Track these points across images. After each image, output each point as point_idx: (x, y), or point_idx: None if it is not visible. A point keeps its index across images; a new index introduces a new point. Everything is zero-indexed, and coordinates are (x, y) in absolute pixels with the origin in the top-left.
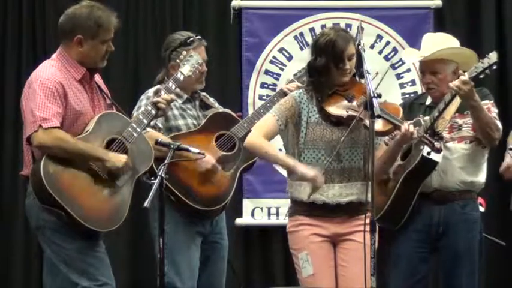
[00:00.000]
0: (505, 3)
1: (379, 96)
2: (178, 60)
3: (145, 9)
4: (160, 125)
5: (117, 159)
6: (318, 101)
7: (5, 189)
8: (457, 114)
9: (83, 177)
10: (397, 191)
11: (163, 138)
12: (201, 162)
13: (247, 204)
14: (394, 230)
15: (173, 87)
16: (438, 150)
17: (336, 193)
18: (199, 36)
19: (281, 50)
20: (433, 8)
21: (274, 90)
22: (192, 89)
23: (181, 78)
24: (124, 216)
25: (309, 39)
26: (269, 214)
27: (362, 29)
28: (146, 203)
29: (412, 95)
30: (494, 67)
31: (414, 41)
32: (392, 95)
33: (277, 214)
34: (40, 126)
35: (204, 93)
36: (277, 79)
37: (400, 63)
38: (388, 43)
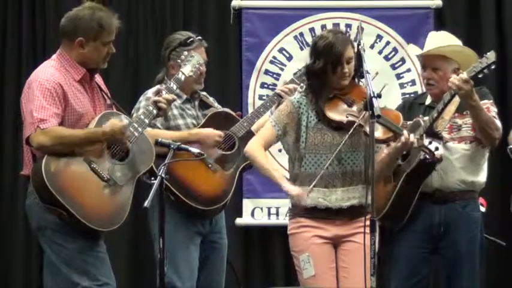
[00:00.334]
0: (505, 3)
1: (379, 96)
2: (179, 60)
3: (145, 9)
4: (159, 125)
5: (119, 132)
6: (318, 105)
7: (5, 189)
8: (456, 115)
9: (84, 177)
10: (398, 191)
11: (165, 135)
12: (205, 141)
13: (247, 204)
14: (395, 230)
15: (174, 87)
16: (438, 160)
17: (338, 197)
18: (199, 37)
19: (281, 50)
20: (433, 8)
21: (274, 90)
22: (191, 90)
23: (182, 78)
24: (125, 216)
25: (309, 39)
26: (269, 214)
27: (362, 29)
28: (146, 203)
29: (412, 95)
30: (493, 67)
31: (414, 41)
32: (392, 95)
33: (277, 214)
34: (38, 127)
35: (203, 93)
36: (277, 79)
37: (400, 63)
38: (388, 43)
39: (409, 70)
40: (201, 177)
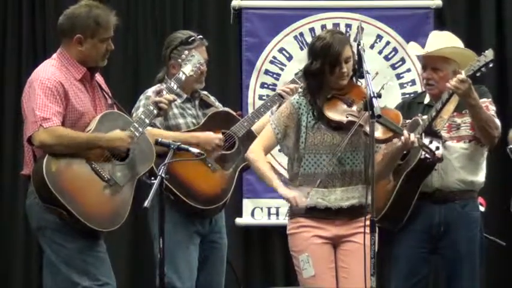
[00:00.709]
0: (505, 3)
1: (379, 96)
2: (180, 60)
3: (145, 9)
4: (158, 125)
5: (121, 141)
6: (317, 106)
7: (5, 189)
8: (455, 114)
9: (84, 176)
10: (397, 191)
11: (165, 135)
12: (205, 144)
13: (247, 204)
14: (395, 230)
15: (175, 86)
16: (438, 159)
17: (337, 197)
18: (200, 36)
19: (281, 50)
20: (433, 8)
21: (274, 90)
22: (191, 89)
23: (183, 77)
24: (125, 216)
25: (309, 39)
26: (269, 214)
27: (362, 29)
28: (146, 203)
29: (412, 95)
30: (491, 65)
31: (414, 41)
32: (392, 95)
33: (277, 214)
34: (41, 126)
35: (204, 92)
36: (277, 79)
37: (400, 63)
38: (388, 43)
39: (409, 70)
40: (201, 176)
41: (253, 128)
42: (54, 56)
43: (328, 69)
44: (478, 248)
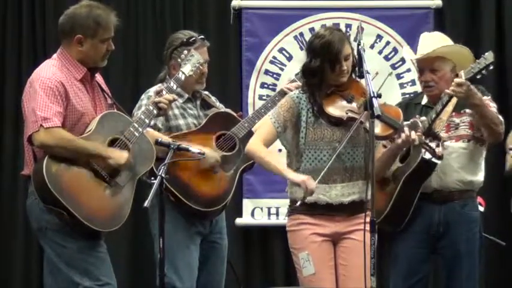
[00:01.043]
0: (505, 3)
1: (379, 96)
2: (179, 60)
3: (145, 9)
4: (160, 125)
5: (119, 156)
6: (317, 102)
7: (5, 189)
8: (453, 113)
9: (85, 177)
10: (397, 194)
11: (164, 138)
12: (205, 160)
13: (247, 204)
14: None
15: (174, 86)
16: (439, 157)
17: (338, 193)
18: (202, 36)
19: (281, 50)
20: (433, 8)
21: (274, 90)
22: (191, 89)
23: (183, 77)
24: (126, 216)
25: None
26: (269, 214)
27: (362, 29)
28: (146, 203)
29: (412, 95)
30: (491, 67)
31: (414, 41)
32: (392, 95)
33: (277, 214)
34: (41, 125)
35: (205, 92)
36: (277, 79)
37: (400, 63)
38: (388, 43)
39: (409, 70)
40: (202, 178)
41: (254, 129)
42: (55, 56)
43: (328, 67)
44: (478, 247)
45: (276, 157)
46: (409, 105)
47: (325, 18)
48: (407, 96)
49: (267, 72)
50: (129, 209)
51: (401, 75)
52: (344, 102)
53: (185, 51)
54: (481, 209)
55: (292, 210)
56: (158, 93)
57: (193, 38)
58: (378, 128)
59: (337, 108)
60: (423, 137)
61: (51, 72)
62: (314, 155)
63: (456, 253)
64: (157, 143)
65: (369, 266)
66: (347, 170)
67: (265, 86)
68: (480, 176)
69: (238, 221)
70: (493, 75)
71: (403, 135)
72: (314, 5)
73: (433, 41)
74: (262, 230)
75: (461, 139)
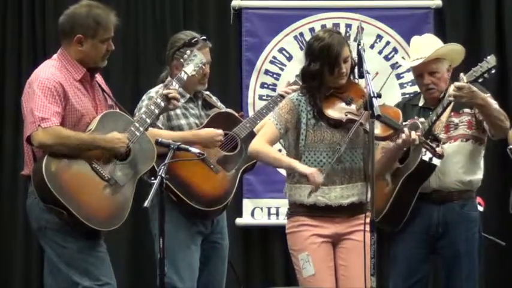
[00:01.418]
0: (505, 3)
1: (379, 96)
2: (182, 60)
3: (145, 9)
4: (160, 125)
5: (119, 142)
6: (315, 105)
7: (5, 189)
8: (452, 113)
9: (85, 176)
10: (396, 194)
11: (165, 135)
12: (207, 140)
13: (247, 204)
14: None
15: (176, 86)
16: (440, 156)
17: (337, 195)
18: (204, 37)
19: (281, 50)
20: (433, 8)
21: (274, 90)
22: (193, 90)
23: (185, 77)
24: (125, 216)
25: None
26: (269, 214)
27: (362, 29)
28: (146, 203)
29: (410, 95)
30: (493, 71)
31: None
32: (392, 95)
33: (277, 214)
34: (39, 126)
35: (207, 92)
36: (277, 79)
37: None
38: (388, 43)
39: (409, 70)
40: (203, 178)
41: (255, 129)
42: (55, 56)
43: (327, 70)
44: (477, 247)
45: (280, 154)
46: (406, 107)
47: (325, 18)
48: (407, 96)
49: (267, 72)
50: (129, 209)
51: (401, 75)
52: (343, 104)
53: (188, 51)
54: (481, 208)
55: (292, 213)
56: (166, 85)
57: (196, 39)
58: (378, 129)
59: (336, 111)
60: (423, 137)
61: (49, 73)
62: (314, 157)
63: (455, 253)
64: (158, 143)
65: (369, 266)
66: (346, 171)
67: (265, 86)
68: (479, 175)
69: (238, 221)
70: (493, 75)
71: (403, 135)
72: (314, 5)
73: (426, 44)
74: (262, 230)
75: (459, 138)
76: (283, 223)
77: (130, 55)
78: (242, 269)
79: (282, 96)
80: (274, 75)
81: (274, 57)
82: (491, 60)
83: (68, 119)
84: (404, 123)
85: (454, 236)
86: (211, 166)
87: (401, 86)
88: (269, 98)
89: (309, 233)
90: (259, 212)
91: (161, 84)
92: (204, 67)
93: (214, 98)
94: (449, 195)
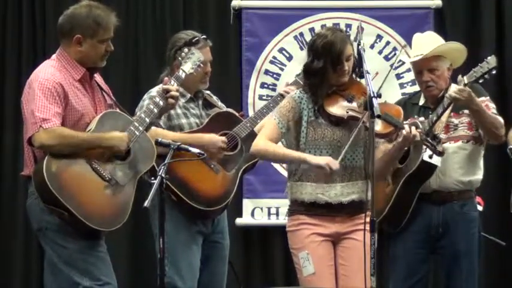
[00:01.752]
0: (505, 3)
1: (379, 96)
2: (180, 58)
3: (145, 9)
4: (162, 125)
5: (120, 140)
6: (317, 102)
7: (5, 189)
8: (452, 114)
9: (85, 177)
10: (396, 195)
11: (169, 136)
12: (209, 146)
13: (247, 204)
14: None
15: (175, 84)
16: (440, 153)
17: (337, 192)
18: (204, 36)
19: (281, 50)
20: (433, 8)
21: (274, 90)
22: (195, 89)
23: (183, 76)
24: (127, 216)
25: (309, 39)
26: (269, 214)
27: (362, 29)
28: (146, 203)
29: (407, 96)
30: (494, 72)
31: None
32: (392, 95)
33: (277, 214)
34: (40, 127)
35: (207, 92)
36: (277, 79)
37: (400, 63)
38: (388, 43)
39: (409, 70)
40: (203, 177)
41: (256, 128)
42: (54, 56)
43: (330, 67)
44: (477, 247)
45: (286, 149)
46: (406, 105)
47: (325, 18)
48: (407, 96)
49: (267, 72)
50: (130, 208)
51: (401, 75)
52: (345, 102)
53: (185, 49)
54: (480, 208)
55: (293, 211)
56: (165, 84)
57: (197, 38)
58: (379, 126)
59: (338, 108)
60: (424, 135)
61: (49, 73)
62: (315, 154)
63: (456, 253)
64: (158, 143)
65: (369, 266)
66: (347, 169)
67: (265, 86)
68: (479, 175)
69: (238, 221)
70: (493, 75)
71: (403, 132)
72: (314, 5)
73: (427, 41)
74: (262, 230)
75: (460, 140)
76: (283, 223)
77: (130, 55)
78: (242, 269)
79: (282, 96)
80: (274, 75)
81: (274, 57)
82: (491, 61)
83: (68, 119)
84: (404, 122)
85: (454, 235)
86: (212, 166)
87: (401, 86)
88: (269, 98)
89: (308, 231)
90: (259, 212)
91: (161, 84)
92: (202, 65)
93: (214, 98)
94: (449, 195)
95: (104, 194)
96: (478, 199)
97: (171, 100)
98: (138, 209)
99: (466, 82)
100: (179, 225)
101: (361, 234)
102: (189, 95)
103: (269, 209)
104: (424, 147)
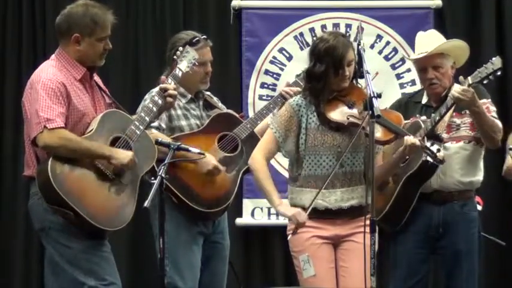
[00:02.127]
0: (505, 3)
1: (379, 96)
2: (175, 57)
3: (145, 9)
4: (164, 126)
5: (123, 156)
6: (318, 107)
7: (5, 189)
8: (454, 114)
9: (89, 177)
10: (397, 194)
11: (165, 138)
12: (201, 164)
13: (247, 204)
14: (394, 231)
15: (172, 83)
16: (440, 161)
17: (337, 198)
18: (204, 36)
19: (281, 50)
20: (433, 8)
21: (274, 90)
22: (196, 89)
23: (180, 74)
24: (131, 215)
25: (309, 39)
26: (269, 214)
27: (362, 29)
28: (146, 203)
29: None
30: (498, 73)
31: (414, 41)
32: (392, 95)
33: (277, 214)
34: (45, 127)
35: (208, 93)
36: (277, 79)
37: (400, 63)
38: (388, 43)
39: (409, 70)
40: (203, 179)
41: (256, 129)
42: (53, 57)
43: (332, 72)
44: (477, 247)
45: (272, 185)
46: (408, 104)
47: (325, 18)
48: (408, 94)
49: (267, 72)
50: (134, 207)
51: (401, 75)
52: (345, 108)
53: (180, 48)
54: (479, 207)
55: None
56: (163, 82)
57: (197, 38)
58: (379, 133)
59: (338, 114)
60: (425, 139)
61: (51, 73)
62: (314, 160)
63: (456, 253)
64: (157, 143)
65: (369, 267)
66: (346, 175)
67: (265, 86)
68: (479, 176)
69: (238, 221)
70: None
71: (405, 141)
72: (314, 5)
73: (431, 39)
74: (262, 230)
75: (462, 140)
76: (283, 223)
77: (130, 55)
78: (242, 269)
79: (283, 96)
80: (274, 75)
81: (274, 57)
82: (496, 62)
83: (70, 118)
84: (406, 121)
85: (454, 235)
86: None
87: (401, 86)
88: (269, 98)
89: (309, 234)
90: (259, 212)
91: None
92: (197, 63)
93: (215, 99)
94: (449, 195)
95: (108, 194)
96: (477, 199)
97: (169, 99)
98: (138, 209)
99: (470, 82)
100: (180, 226)
101: (361, 236)
102: (189, 96)
103: (269, 209)
104: (425, 156)
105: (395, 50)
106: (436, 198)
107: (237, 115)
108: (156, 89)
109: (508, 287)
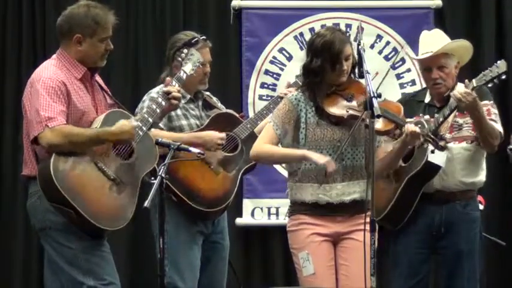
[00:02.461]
0: (505, 3)
1: (379, 96)
2: (179, 59)
3: (145, 9)
4: (162, 126)
5: (128, 127)
6: (316, 101)
7: (5, 189)
8: (457, 114)
9: (91, 176)
10: (399, 193)
11: (166, 136)
12: (206, 141)
13: (247, 204)
14: (395, 231)
15: (176, 85)
16: (442, 148)
17: (339, 192)
18: (204, 37)
19: (281, 50)
20: (433, 8)
21: (274, 90)
22: (194, 89)
23: (184, 76)
24: (131, 215)
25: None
26: (269, 214)
27: (362, 29)
28: (146, 203)
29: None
30: (503, 77)
31: (414, 41)
32: (392, 95)
33: (277, 214)
34: (46, 126)
35: (207, 93)
36: (277, 79)
37: (400, 63)
38: (388, 43)
39: (409, 70)
40: (204, 178)
41: (256, 130)
42: (54, 56)
43: (329, 67)
44: (479, 247)
45: (284, 148)
46: (411, 103)
47: (325, 18)
48: (410, 93)
49: (267, 72)
50: (135, 207)
51: (401, 75)
52: (344, 102)
53: (185, 50)
54: (481, 207)
55: (293, 211)
56: (166, 85)
57: (196, 39)
58: (379, 124)
59: (338, 108)
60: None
61: (52, 72)
62: None
63: (458, 253)
64: (158, 143)
65: (369, 266)
66: (347, 169)
67: (265, 86)
68: (482, 176)
69: (238, 221)
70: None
71: (405, 129)
72: (314, 5)
73: (436, 39)
74: (262, 230)
75: (464, 140)
76: (283, 223)
77: (130, 55)
78: (242, 269)
79: (282, 98)
80: (274, 75)
81: (274, 57)
82: (501, 65)
83: (70, 118)
84: (409, 121)
85: (456, 236)
86: (212, 167)
87: (401, 86)
88: (269, 98)
89: (309, 231)
90: (259, 212)
91: (162, 85)
92: (201, 66)
93: (214, 99)
94: (451, 195)
95: (109, 193)
96: (479, 198)
97: (174, 101)
98: (138, 209)
99: (474, 85)
100: (179, 226)
101: (361, 234)
102: (188, 96)
103: (269, 209)
104: (427, 144)
105: (395, 50)
106: (438, 198)
107: (237, 115)
108: (155, 89)
109: (508, 287)
